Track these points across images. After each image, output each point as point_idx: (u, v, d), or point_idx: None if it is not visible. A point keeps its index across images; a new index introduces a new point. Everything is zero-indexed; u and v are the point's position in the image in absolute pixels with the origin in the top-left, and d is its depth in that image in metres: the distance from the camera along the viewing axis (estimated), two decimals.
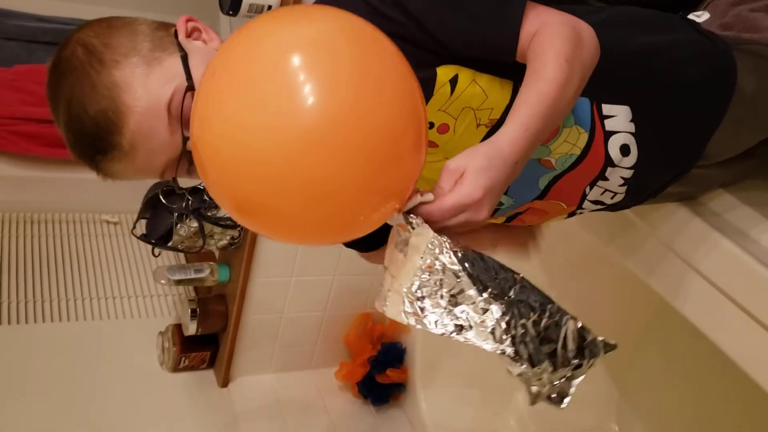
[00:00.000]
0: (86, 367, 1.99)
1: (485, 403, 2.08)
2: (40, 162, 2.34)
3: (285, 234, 0.67)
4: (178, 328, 2.05)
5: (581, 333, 0.67)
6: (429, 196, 0.69)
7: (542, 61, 0.75)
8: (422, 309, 0.65)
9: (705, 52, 0.97)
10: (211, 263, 2.01)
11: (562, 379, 0.67)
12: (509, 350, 0.63)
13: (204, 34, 0.83)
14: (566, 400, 0.68)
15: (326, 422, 2.10)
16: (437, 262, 0.66)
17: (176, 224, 1.79)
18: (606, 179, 0.94)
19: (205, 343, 2.08)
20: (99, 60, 0.75)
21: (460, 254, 0.66)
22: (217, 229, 1.85)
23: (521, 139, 0.73)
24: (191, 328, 1.98)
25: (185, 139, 0.76)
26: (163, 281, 1.93)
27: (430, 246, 0.66)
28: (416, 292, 0.66)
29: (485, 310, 0.64)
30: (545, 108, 0.74)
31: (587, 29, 0.80)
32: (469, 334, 0.64)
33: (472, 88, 0.82)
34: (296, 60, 0.59)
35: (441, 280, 0.65)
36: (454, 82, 0.82)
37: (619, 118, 0.91)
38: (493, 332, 0.64)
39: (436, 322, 0.65)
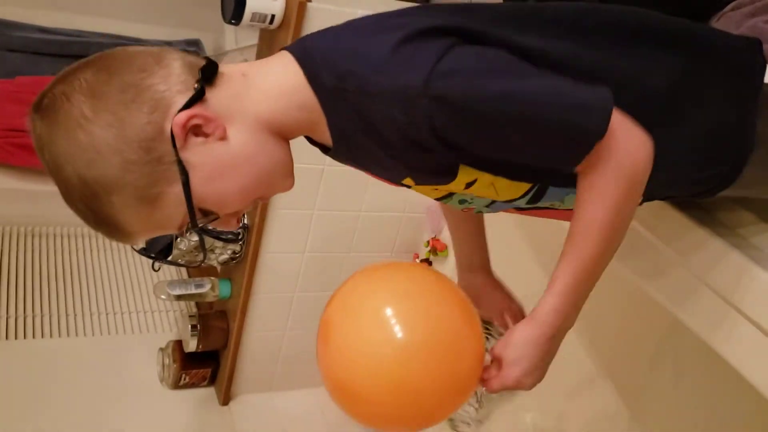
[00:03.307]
0: (86, 382, 1.95)
1: (492, 423, 2.03)
2: (40, 175, 2.30)
3: (371, 419, 0.86)
4: (178, 344, 2.01)
5: None
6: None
7: (584, 231, 0.78)
8: None
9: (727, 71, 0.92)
10: (213, 278, 1.97)
11: None
12: None
13: (204, 125, 0.75)
14: None
15: None
16: None
17: (176, 238, 1.76)
18: None
19: (205, 359, 2.04)
20: (94, 194, 0.73)
21: None
22: (218, 243, 1.82)
23: (555, 320, 0.80)
24: (192, 345, 1.94)
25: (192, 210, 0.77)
26: (163, 296, 1.89)
27: None
28: None
29: None
30: (582, 284, 0.80)
31: (644, 161, 0.75)
32: None
33: (487, 189, 0.85)
34: (388, 311, 0.81)
35: None
36: (471, 183, 0.84)
37: None
38: None
39: None
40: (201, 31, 2.58)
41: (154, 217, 0.76)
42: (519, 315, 1.07)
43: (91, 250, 2.46)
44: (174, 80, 0.74)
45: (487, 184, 0.84)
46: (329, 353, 0.85)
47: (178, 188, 0.75)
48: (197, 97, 0.75)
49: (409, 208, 2.01)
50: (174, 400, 2.01)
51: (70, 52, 2.46)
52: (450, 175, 0.82)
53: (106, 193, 0.73)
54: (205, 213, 0.79)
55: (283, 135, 0.81)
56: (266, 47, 1.68)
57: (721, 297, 1.08)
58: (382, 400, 0.80)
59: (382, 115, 0.75)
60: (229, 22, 1.54)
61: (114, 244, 2.52)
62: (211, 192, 0.77)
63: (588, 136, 0.72)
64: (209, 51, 2.56)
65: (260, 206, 1.79)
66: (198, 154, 0.75)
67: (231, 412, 2.05)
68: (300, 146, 0.85)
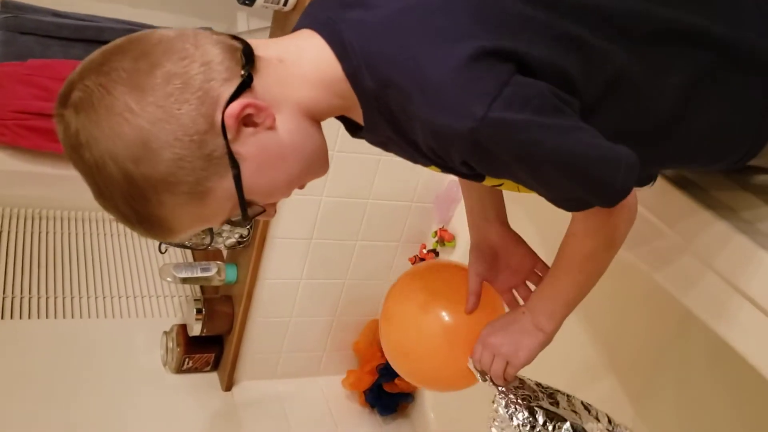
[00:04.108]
0: (88, 364, 1.95)
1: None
2: (51, 158, 2.31)
3: (417, 376, 1.17)
4: (183, 328, 2.01)
5: None
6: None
7: (563, 267, 0.90)
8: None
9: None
10: (219, 262, 1.97)
11: None
12: None
13: (255, 115, 0.72)
14: None
15: (331, 431, 2.05)
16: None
17: None
18: None
19: (209, 344, 2.03)
20: (141, 193, 0.70)
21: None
22: (226, 227, 1.81)
23: (526, 308, 0.97)
24: (196, 329, 1.93)
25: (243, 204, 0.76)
26: (169, 279, 1.89)
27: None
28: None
29: None
30: (553, 300, 0.93)
31: (628, 227, 0.84)
32: None
33: (512, 189, 0.89)
34: (429, 302, 1.09)
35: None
36: (498, 185, 0.88)
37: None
38: None
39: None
40: (212, 20, 2.59)
41: (202, 213, 0.74)
42: (545, 270, 1.06)
43: (98, 234, 2.46)
44: (218, 68, 0.71)
45: (513, 187, 0.87)
46: (392, 328, 1.12)
47: (228, 182, 0.72)
48: (245, 86, 0.71)
49: (417, 197, 2.00)
50: (176, 385, 2.00)
51: (82, 37, 2.46)
52: (478, 178, 0.84)
53: (155, 191, 0.70)
54: (250, 205, 0.77)
55: (317, 118, 0.80)
56: (279, 29, 1.68)
57: (727, 282, 1.07)
58: (425, 355, 1.07)
59: (416, 130, 0.74)
60: (243, 3, 1.54)
61: (120, 228, 2.52)
62: (261, 183, 0.75)
63: (604, 202, 0.78)
64: None
65: None
66: (248, 145, 0.72)
67: (233, 397, 2.04)
68: None
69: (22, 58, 2.39)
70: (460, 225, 1.94)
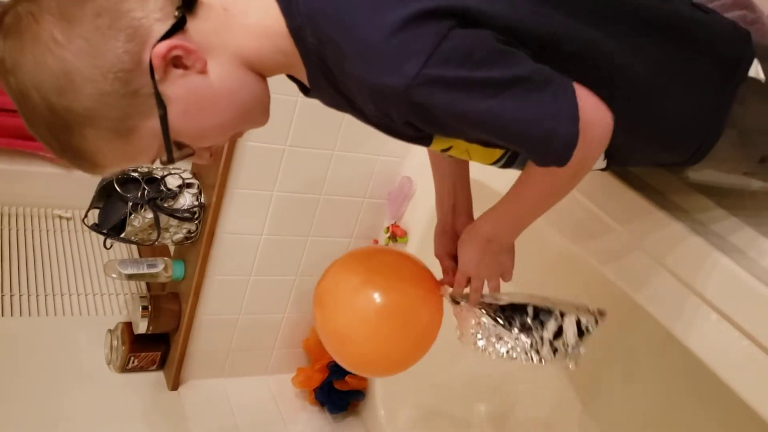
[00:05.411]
0: (30, 364, 1.89)
1: (446, 413, 2.02)
2: None
3: (354, 360, 1.12)
4: (128, 326, 1.96)
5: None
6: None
7: (521, 189, 0.88)
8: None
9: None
10: (166, 258, 1.92)
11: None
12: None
13: (185, 57, 0.72)
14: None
15: (281, 430, 2.02)
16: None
17: (130, 214, 1.70)
18: None
19: (156, 342, 1.99)
20: (64, 124, 0.71)
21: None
22: (173, 222, 1.77)
23: (488, 231, 0.97)
24: (142, 326, 1.88)
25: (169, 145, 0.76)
26: (114, 275, 1.83)
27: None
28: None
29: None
30: (511, 221, 0.95)
31: (594, 159, 0.80)
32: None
33: (461, 154, 0.88)
34: (365, 283, 1.07)
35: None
36: (446, 149, 0.87)
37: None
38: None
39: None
40: None
41: (127, 150, 0.74)
42: None
43: (40, 230, 2.38)
44: (152, 7, 0.71)
45: (462, 150, 0.87)
46: (326, 312, 1.09)
47: (154, 122, 0.73)
48: (177, 27, 0.72)
49: (370, 193, 1.99)
50: (121, 384, 1.95)
51: None
52: (425, 142, 0.85)
53: (77, 124, 0.70)
54: (180, 146, 0.77)
55: (261, 72, 0.80)
56: None
57: (682, 283, 1.08)
58: (364, 340, 1.06)
59: (356, 91, 0.75)
60: None
61: (63, 223, 2.44)
62: (189, 126, 0.76)
63: (552, 163, 0.76)
64: None
65: (217, 184, 1.75)
66: (176, 87, 0.73)
67: (180, 397, 1.99)
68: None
69: None
70: (412, 221, 1.94)
